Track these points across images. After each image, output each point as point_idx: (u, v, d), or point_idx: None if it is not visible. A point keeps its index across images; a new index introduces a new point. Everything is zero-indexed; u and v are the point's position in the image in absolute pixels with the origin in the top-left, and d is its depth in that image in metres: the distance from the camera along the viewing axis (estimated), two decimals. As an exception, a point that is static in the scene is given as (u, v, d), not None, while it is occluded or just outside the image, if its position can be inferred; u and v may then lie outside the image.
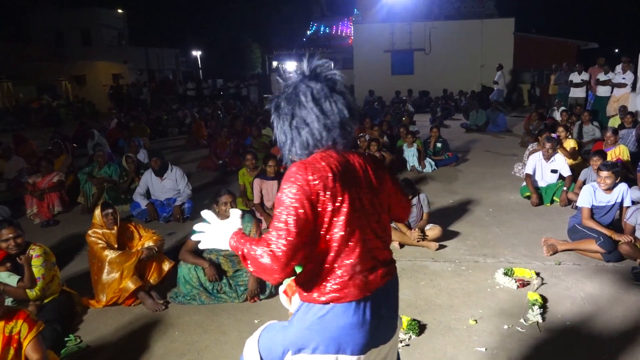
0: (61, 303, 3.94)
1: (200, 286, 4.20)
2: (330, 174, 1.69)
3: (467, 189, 7.49)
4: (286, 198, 1.65)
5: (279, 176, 5.98)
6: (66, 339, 3.66)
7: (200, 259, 4.24)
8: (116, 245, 4.33)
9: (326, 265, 1.72)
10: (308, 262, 1.75)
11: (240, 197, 6.49)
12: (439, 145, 9.44)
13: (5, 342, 2.70)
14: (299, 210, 1.63)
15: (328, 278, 1.72)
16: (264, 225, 5.75)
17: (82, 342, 3.67)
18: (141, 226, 4.72)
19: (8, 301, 3.67)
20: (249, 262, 1.67)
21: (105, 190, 7.20)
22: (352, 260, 1.73)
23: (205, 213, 1.88)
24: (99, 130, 11.91)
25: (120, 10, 34.64)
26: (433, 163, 8.96)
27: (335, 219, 1.70)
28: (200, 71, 40.00)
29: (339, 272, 1.72)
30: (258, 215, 5.87)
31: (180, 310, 4.10)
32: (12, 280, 3.75)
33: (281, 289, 2.08)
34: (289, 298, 2.04)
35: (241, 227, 1.81)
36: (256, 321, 3.87)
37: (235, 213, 1.84)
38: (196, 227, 1.86)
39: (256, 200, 6.05)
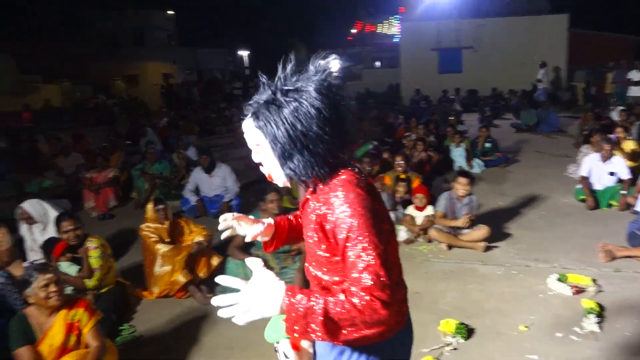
0: (116, 293, 4.11)
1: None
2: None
3: (518, 191, 7.27)
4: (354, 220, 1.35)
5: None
6: (121, 327, 3.82)
7: (248, 255, 4.32)
8: (168, 240, 4.47)
9: None
10: None
11: (285, 196, 6.56)
12: (488, 145, 9.21)
13: (67, 329, 2.84)
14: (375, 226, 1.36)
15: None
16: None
17: (136, 331, 3.82)
18: (191, 221, 4.86)
19: (68, 290, 3.85)
20: (342, 325, 1.26)
21: (157, 186, 7.44)
22: (401, 284, 1.59)
23: (223, 278, 1.38)
24: (151, 128, 12.31)
25: (170, 12, 35.69)
26: (482, 163, 8.76)
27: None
28: (247, 70, 40.68)
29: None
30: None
31: (228, 305, 4.18)
32: (72, 270, 3.94)
33: (281, 340, 1.62)
34: (298, 348, 1.63)
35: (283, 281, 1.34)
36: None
37: (256, 264, 1.40)
38: (217, 301, 1.31)
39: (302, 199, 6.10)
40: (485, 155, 9.08)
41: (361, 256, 1.31)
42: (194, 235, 4.60)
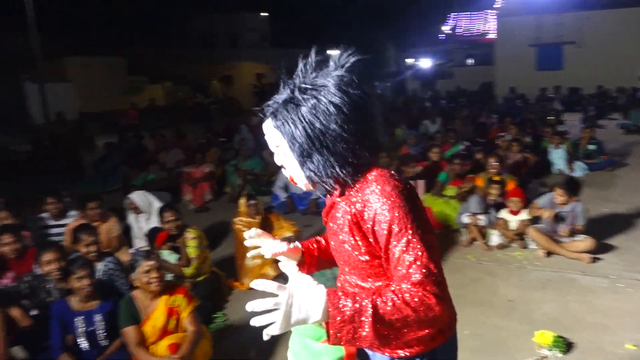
0: (211, 282, 4.33)
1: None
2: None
3: (626, 197, 6.69)
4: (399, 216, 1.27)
5: (417, 176, 5.93)
6: (214, 315, 4.02)
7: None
8: (259, 234, 4.63)
9: None
10: None
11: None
12: (592, 147, 8.57)
13: (168, 313, 3.05)
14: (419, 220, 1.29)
15: None
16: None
17: (228, 319, 4.00)
18: (282, 217, 5.00)
19: (168, 277, 4.12)
20: (395, 326, 1.17)
21: (248, 181, 7.74)
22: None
23: (259, 282, 1.22)
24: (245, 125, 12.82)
25: (263, 14, 36.94)
26: (585, 167, 8.16)
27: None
28: (336, 70, 41.01)
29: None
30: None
31: (314, 300, 4.26)
32: (172, 258, 4.21)
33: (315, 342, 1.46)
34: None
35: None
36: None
37: (291, 267, 1.42)
38: (253, 306, 1.20)
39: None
40: (589, 158, 8.45)
41: (407, 250, 1.23)
42: (284, 231, 4.73)
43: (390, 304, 1.16)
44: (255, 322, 1.20)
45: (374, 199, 1.30)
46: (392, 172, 1.39)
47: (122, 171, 8.18)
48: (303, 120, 1.33)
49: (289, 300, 1.17)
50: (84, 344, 3.12)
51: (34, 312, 3.50)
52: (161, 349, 2.97)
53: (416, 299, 1.16)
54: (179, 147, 10.02)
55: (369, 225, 1.32)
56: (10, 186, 8.20)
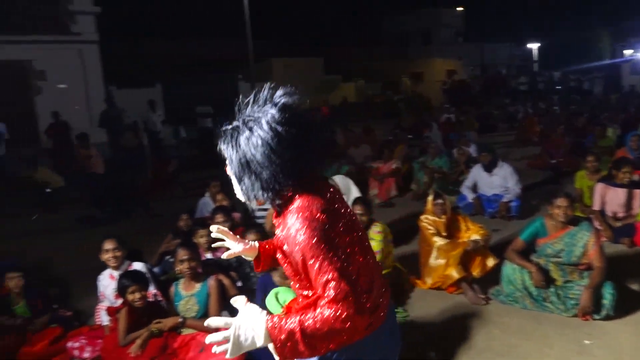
0: (393, 277, 4.38)
1: (525, 290, 4.00)
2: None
3: None
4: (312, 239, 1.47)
5: (632, 184, 5.16)
6: (395, 310, 4.05)
7: (528, 261, 4.04)
8: (444, 234, 4.53)
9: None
10: None
11: (577, 203, 5.87)
12: None
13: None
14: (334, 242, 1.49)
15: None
16: (602, 237, 5.06)
17: (408, 316, 4.01)
18: (468, 219, 4.81)
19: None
20: (318, 339, 1.40)
21: (435, 180, 7.62)
22: (373, 290, 1.64)
23: (212, 320, 1.54)
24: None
25: (459, 9, 35.82)
26: None
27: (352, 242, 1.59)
28: (536, 64, 37.84)
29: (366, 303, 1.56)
30: (596, 224, 5.19)
31: (501, 309, 4.02)
32: None
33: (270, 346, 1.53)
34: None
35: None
36: (587, 342, 3.46)
37: (240, 301, 1.55)
38: (210, 339, 1.50)
39: (596, 207, 5.39)
40: None
41: (320, 272, 1.43)
42: (471, 233, 4.54)
43: (310, 322, 1.41)
44: (215, 349, 1.48)
45: (292, 225, 1.50)
46: (316, 198, 1.54)
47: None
48: (238, 148, 1.55)
49: (235, 333, 1.46)
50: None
51: (239, 284, 3.99)
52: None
53: (331, 315, 1.40)
54: (367, 142, 10.34)
55: (288, 248, 1.54)
56: (222, 173, 9.43)
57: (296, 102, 1.59)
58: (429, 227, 4.56)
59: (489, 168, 6.57)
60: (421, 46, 34.09)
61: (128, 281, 3.40)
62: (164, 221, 6.54)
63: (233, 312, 3.32)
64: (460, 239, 4.52)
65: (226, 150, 1.61)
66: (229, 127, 1.62)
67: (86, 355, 3.53)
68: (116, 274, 3.83)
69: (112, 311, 3.55)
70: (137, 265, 3.86)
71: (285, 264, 1.65)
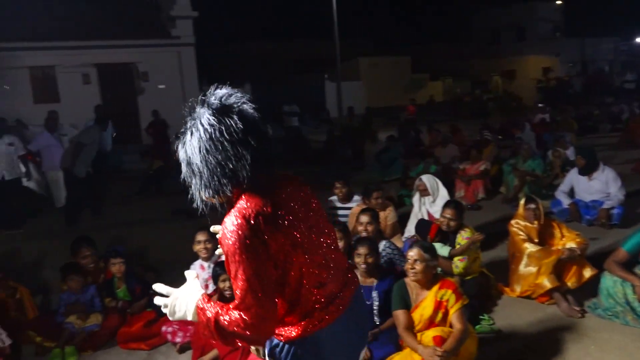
0: (479, 283, 4.23)
1: (627, 304, 3.69)
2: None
3: None
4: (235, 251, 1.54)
5: None
6: (480, 317, 3.92)
7: (631, 274, 3.72)
8: (536, 240, 4.30)
9: (302, 299, 1.65)
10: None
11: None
12: None
13: (436, 306, 3.12)
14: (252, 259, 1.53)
15: (306, 308, 1.66)
16: None
17: (495, 324, 3.85)
18: (564, 225, 4.53)
19: (438, 270, 4.20)
20: (228, 335, 1.57)
21: (527, 183, 7.24)
22: (322, 283, 1.69)
23: (158, 286, 1.73)
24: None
25: (558, 2, 33.69)
26: None
27: (289, 250, 1.61)
28: (646, 60, 34.64)
29: (313, 299, 1.67)
30: None
31: (598, 324, 3.74)
32: (444, 251, 4.27)
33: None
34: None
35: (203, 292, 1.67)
36: (700, 367, 3.13)
37: (190, 274, 1.73)
38: (156, 301, 1.71)
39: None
40: None
41: (236, 278, 1.54)
42: (566, 241, 4.27)
43: (221, 318, 1.56)
44: (159, 306, 1.70)
45: (226, 227, 1.57)
46: (260, 200, 1.58)
47: (401, 163, 8.67)
48: (183, 151, 1.62)
49: (172, 303, 1.67)
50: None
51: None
52: (427, 339, 3.06)
53: (234, 319, 1.54)
54: (454, 142, 10.05)
55: (223, 249, 1.60)
56: (308, 170, 9.62)
57: (236, 104, 1.60)
58: (520, 232, 4.34)
59: (587, 172, 6.13)
60: (514, 42, 32.44)
61: (221, 270, 3.57)
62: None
63: None
64: (554, 246, 4.26)
65: (179, 153, 1.65)
66: (182, 131, 1.65)
67: (177, 339, 3.77)
68: (207, 264, 4.04)
69: (205, 298, 3.74)
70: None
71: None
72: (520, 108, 20.86)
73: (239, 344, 1.62)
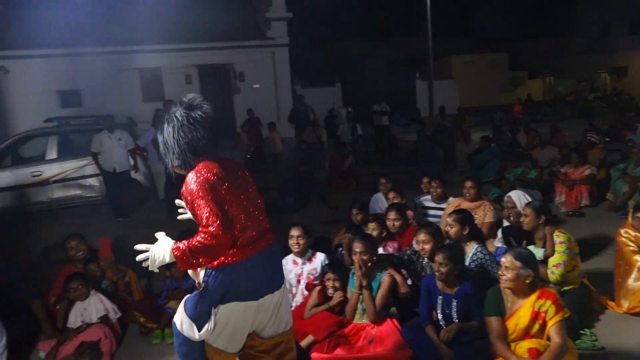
0: (580, 295, 3.94)
1: None
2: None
3: None
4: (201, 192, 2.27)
5: None
6: (581, 332, 3.65)
7: None
8: (649, 252, 3.93)
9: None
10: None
11: None
12: None
13: (533, 316, 2.95)
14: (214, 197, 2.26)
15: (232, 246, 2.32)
16: None
17: (597, 341, 3.58)
18: (682, 238, 4.10)
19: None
20: (198, 254, 2.20)
21: (638, 190, 6.63)
22: (244, 229, 2.37)
23: (139, 246, 2.40)
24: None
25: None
26: None
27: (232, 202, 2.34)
28: None
29: (238, 240, 2.34)
30: None
31: None
32: (538, 252, 4.03)
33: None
34: (196, 271, 2.48)
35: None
36: None
37: (161, 234, 2.41)
38: (138, 258, 2.39)
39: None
40: None
41: (200, 209, 2.23)
42: (684, 255, 3.86)
43: (194, 242, 2.20)
44: (139, 258, 2.39)
45: (189, 179, 2.31)
46: (213, 167, 2.34)
47: (496, 164, 8.31)
48: (161, 135, 2.43)
49: (152, 254, 2.33)
50: (442, 322, 3.38)
51: (409, 282, 3.99)
52: (521, 350, 2.92)
53: (204, 236, 2.19)
54: (554, 144, 9.46)
55: (186, 195, 2.35)
56: (399, 171, 9.54)
57: (200, 104, 2.40)
58: (630, 243, 4.00)
59: None
60: (626, 36, 29.69)
61: (328, 268, 3.89)
62: (340, 213, 6.86)
63: (401, 308, 3.46)
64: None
65: (158, 137, 2.46)
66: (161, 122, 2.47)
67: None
68: (300, 260, 4.15)
69: (309, 286, 4.02)
70: (320, 257, 4.19)
71: (190, 210, 2.42)
72: (633, 108, 19.11)
73: (202, 262, 2.25)
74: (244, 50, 16.64)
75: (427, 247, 3.74)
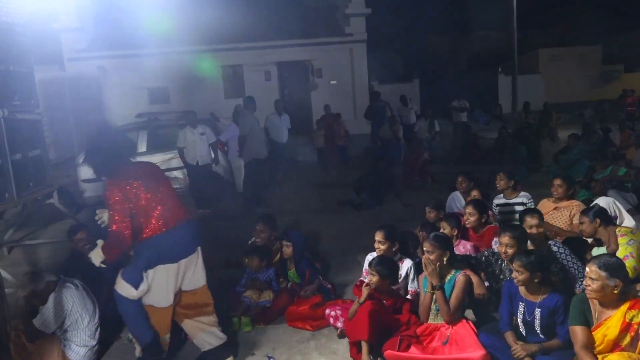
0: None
1: None
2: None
3: None
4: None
5: None
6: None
7: None
8: None
9: (150, 220, 3.34)
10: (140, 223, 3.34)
11: None
12: None
13: (623, 327, 2.73)
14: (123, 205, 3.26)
15: (150, 225, 3.33)
16: None
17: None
18: None
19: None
20: (113, 248, 3.30)
21: None
22: (160, 212, 3.36)
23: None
24: None
25: None
26: None
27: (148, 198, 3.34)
28: None
29: (154, 220, 3.34)
30: None
31: None
32: (601, 251, 3.78)
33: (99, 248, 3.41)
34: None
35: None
36: None
37: (100, 242, 3.39)
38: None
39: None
40: None
41: (111, 213, 3.26)
42: None
43: (108, 241, 3.31)
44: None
45: (107, 188, 3.27)
46: (119, 179, 3.30)
47: (585, 164, 7.80)
48: (91, 155, 3.48)
49: (92, 256, 3.37)
50: (522, 329, 3.22)
51: (486, 283, 3.85)
52: (610, 362, 2.72)
53: (112, 234, 3.26)
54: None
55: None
56: (478, 169, 9.20)
57: (116, 132, 3.69)
58: None
59: None
60: None
61: (376, 263, 3.69)
62: (414, 211, 6.73)
63: (477, 311, 3.33)
64: None
65: (88, 158, 3.52)
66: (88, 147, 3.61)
67: (339, 324, 3.91)
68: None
69: (360, 284, 4.00)
70: (407, 263, 4.05)
71: None
72: None
73: (117, 253, 3.30)
74: (322, 47, 16.79)
75: (510, 251, 3.56)
